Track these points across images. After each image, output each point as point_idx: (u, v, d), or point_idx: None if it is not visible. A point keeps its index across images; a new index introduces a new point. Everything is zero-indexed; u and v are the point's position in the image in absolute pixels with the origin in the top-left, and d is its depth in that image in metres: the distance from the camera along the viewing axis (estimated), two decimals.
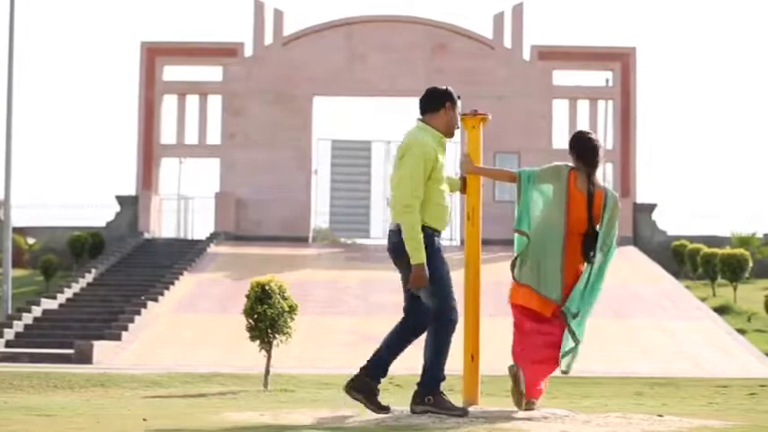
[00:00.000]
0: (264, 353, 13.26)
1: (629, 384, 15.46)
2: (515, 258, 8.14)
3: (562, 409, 8.15)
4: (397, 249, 7.66)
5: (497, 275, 26.15)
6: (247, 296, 13.10)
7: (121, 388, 12.78)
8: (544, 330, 7.99)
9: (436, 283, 7.62)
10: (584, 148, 8.12)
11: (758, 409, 10.56)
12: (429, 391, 7.68)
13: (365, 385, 7.76)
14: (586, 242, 8.05)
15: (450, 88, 8.02)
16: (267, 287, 12.95)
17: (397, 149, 7.89)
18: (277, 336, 13.02)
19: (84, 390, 12.52)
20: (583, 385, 15.35)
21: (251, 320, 13.01)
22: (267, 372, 13.21)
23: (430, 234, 7.68)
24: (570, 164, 8.13)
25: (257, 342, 13.22)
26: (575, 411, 8.12)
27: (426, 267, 7.57)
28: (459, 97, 8.03)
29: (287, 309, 12.98)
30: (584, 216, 8.02)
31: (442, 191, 7.80)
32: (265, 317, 12.84)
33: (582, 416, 7.80)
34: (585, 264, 8.05)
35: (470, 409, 7.82)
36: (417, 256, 7.55)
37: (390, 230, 7.75)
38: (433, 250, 7.65)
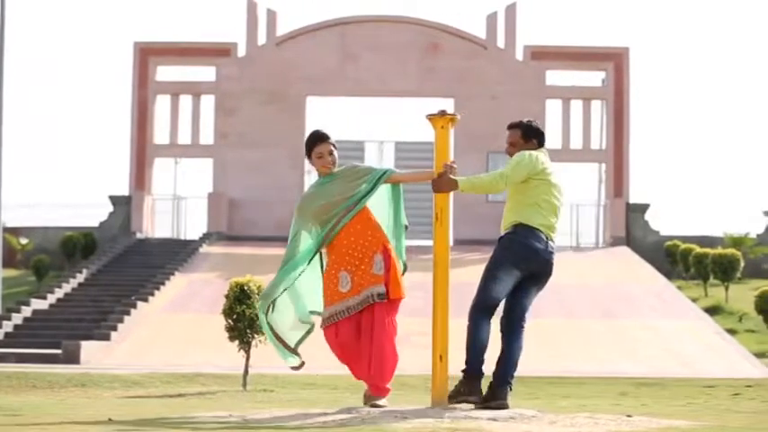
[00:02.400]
0: (243, 353, 13.26)
1: (615, 384, 15.44)
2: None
3: (531, 409, 8.13)
4: (552, 266, 8.05)
5: None
6: (226, 296, 13.12)
7: (101, 388, 12.76)
8: None
9: None
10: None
11: (735, 410, 10.54)
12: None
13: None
14: None
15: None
16: (246, 287, 12.97)
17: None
18: (256, 336, 13.03)
19: (63, 390, 12.50)
20: (568, 385, 15.35)
21: (230, 321, 13.03)
22: (246, 372, 13.22)
23: None
24: None
25: (236, 342, 13.22)
26: (543, 411, 8.10)
27: None
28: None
29: None
30: None
31: None
32: (244, 317, 12.86)
33: (550, 416, 7.78)
34: None
35: (438, 408, 7.81)
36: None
37: (554, 249, 8.05)
38: None
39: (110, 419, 7.40)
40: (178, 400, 11.02)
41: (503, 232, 8.05)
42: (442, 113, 8.23)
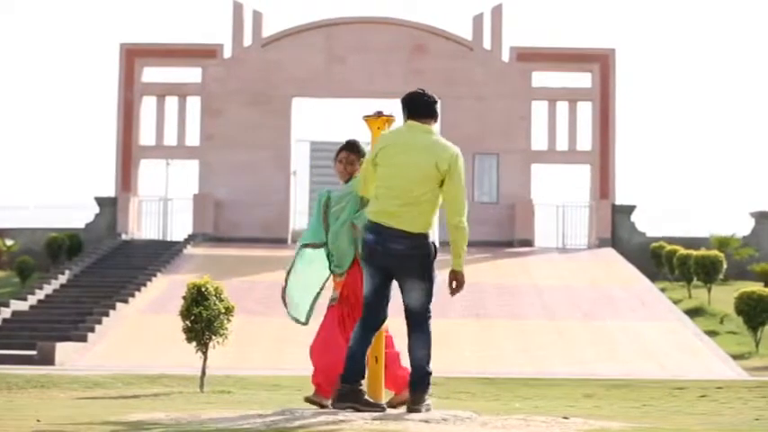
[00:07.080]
0: (201, 354, 13.24)
1: (586, 386, 15.38)
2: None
3: (467, 411, 8.10)
4: (406, 255, 7.58)
5: (477, 277, 26.13)
6: (183, 298, 13.09)
7: (59, 389, 12.71)
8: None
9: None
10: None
11: (687, 411, 10.52)
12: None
13: (351, 394, 7.71)
14: None
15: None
16: (203, 289, 12.94)
17: (442, 159, 7.68)
18: (213, 337, 13.00)
19: (21, 391, 12.45)
20: (539, 387, 15.31)
21: (187, 322, 13.00)
22: (203, 373, 13.19)
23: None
24: None
25: (194, 343, 13.20)
26: (477, 413, 8.07)
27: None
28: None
29: (222, 311, 12.96)
30: None
31: None
32: (201, 318, 12.83)
33: (483, 418, 7.76)
34: None
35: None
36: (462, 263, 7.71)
37: (396, 236, 7.57)
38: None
39: (38, 420, 7.37)
40: (130, 401, 10.98)
41: None
42: (379, 114, 8.22)
